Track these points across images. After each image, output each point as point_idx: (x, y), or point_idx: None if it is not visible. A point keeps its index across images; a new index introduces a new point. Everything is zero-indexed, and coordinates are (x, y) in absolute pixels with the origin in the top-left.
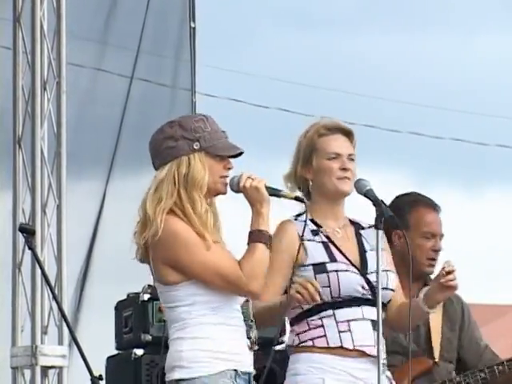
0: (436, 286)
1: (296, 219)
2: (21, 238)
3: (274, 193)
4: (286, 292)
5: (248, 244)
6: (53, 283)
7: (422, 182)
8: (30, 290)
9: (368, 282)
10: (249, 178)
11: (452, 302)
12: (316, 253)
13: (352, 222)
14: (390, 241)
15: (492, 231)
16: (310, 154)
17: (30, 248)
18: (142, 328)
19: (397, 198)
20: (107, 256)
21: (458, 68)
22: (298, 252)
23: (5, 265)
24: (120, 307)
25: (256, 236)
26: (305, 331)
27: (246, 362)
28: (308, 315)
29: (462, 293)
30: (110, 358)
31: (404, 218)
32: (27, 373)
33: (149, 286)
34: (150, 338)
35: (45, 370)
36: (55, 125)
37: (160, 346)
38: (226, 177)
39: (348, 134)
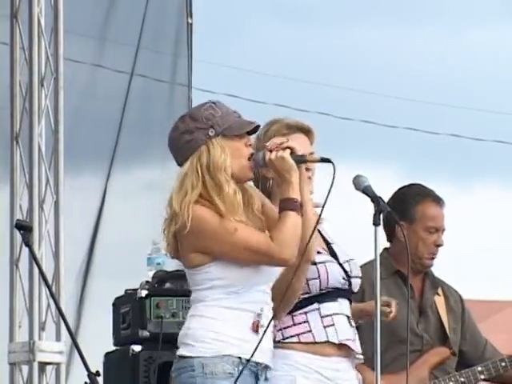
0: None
1: None
2: (18, 234)
3: (300, 159)
4: None
5: (279, 212)
6: (50, 280)
7: (419, 176)
8: (28, 286)
9: (345, 271)
10: (271, 150)
11: (451, 293)
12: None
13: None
14: (393, 233)
15: (489, 227)
16: None
17: (26, 245)
18: (139, 324)
19: (400, 190)
20: (109, 251)
21: (455, 63)
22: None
23: (2, 261)
24: (118, 303)
25: (287, 204)
26: (289, 326)
27: (252, 352)
28: (292, 310)
29: (457, 288)
30: (107, 354)
31: (409, 210)
32: (25, 369)
33: (146, 282)
34: (148, 334)
35: (42, 366)
36: (53, 121)
37: (158, 342)
38: (251, 156)
39: (308, 133)
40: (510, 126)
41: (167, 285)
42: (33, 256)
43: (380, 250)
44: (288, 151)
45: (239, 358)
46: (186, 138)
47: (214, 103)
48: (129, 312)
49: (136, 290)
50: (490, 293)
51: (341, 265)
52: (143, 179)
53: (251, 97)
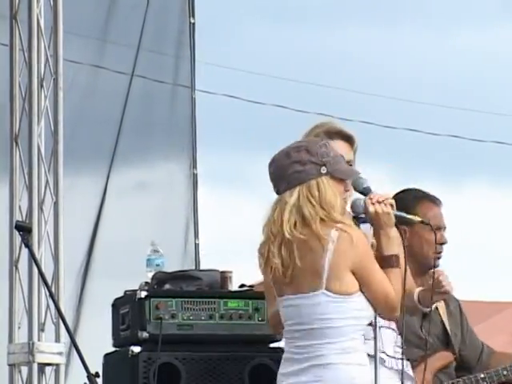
0: (431, 291)
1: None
2: (18, 235)
3: (401, 218)
4: None
5: (385, 268)
6: (50, 281)
7: (419, 176)
8: (27, 287)
9: None
10: (377, 202)
11: (450, 298)
12: None
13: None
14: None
15: (487, 228)
16: None
17: (26, 246)
18: (138, 325)
19: (397, 194)
20: (108, 252)
21: (454, 64)
22: None
23: (2, 262)
24: (117, 304)
25: (393, 261)
26: None
27: None
28: None
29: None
30: (107, 355)
31: (411, 213)
32: (24, 370)
33: (146, 283)
34: (147, 335)
35: (42, 367)
36: (52, 122)
37: (157, 343)
38: (345, 198)
39: (349, 140)
40: (509, 127)
41: (167, 286)
42: (32, 257)
43: None
44: (390, 206)
45: None
46: (297, 168)
47: (327, 143)
48: (128, 313)
49: (135, 291)
50: (489, 293)
51: None
52: (143, 180)
53: (250, 98)
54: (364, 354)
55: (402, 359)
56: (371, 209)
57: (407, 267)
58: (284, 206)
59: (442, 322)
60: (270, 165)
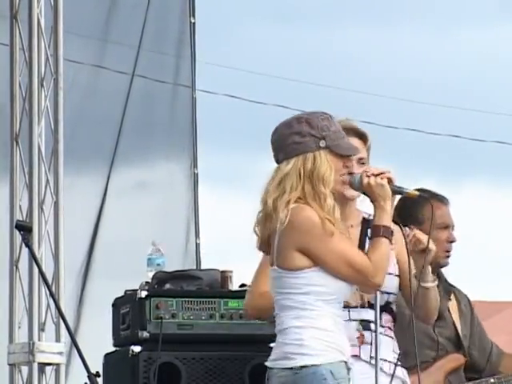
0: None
1: None
2: (18, 235)
3: (398, 190)
4: None
5: (372, 238)
6: (50, 280)
7: (419, 176)
8: (28, 287)
9: None
10: (372, 174)
11: (462, 297)
12: None
13: (366, 221)
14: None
15: (487, 228)
16: None
17: (26, 245)
18: (139, 325)
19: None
20: (109, 252)
21: (453, 64)
22: None
23: (2, 261)
24: (117, 304)
25: (382, 231)
26: None
27: (349, 356)
28: None
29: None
30: (107, 355)
31: (417, 213)
32: (24, 369)
33: (146, 282)
34: (148, 334)
35: (42, 366)
36: (52, 121)
37: (157, 342)
38: (344, 175)
39: (362, 137)
40: (510, 127)
41: (167, 286)
42: (33, 256)
43: None
44: (386, 180)
45: (345, 362)
46: (296, 140)
47: (330, 117)
48: (128, 313)
49: (136, 290)
50: (489, 293)
51: None
52: (143, 180)
53: (251, 97)
54: (327, 321)
55: (396, 364)
56: (365, 181)
57: (411, 265)
58: (276, 176)
59: (453, 323)
60: (273, 134)
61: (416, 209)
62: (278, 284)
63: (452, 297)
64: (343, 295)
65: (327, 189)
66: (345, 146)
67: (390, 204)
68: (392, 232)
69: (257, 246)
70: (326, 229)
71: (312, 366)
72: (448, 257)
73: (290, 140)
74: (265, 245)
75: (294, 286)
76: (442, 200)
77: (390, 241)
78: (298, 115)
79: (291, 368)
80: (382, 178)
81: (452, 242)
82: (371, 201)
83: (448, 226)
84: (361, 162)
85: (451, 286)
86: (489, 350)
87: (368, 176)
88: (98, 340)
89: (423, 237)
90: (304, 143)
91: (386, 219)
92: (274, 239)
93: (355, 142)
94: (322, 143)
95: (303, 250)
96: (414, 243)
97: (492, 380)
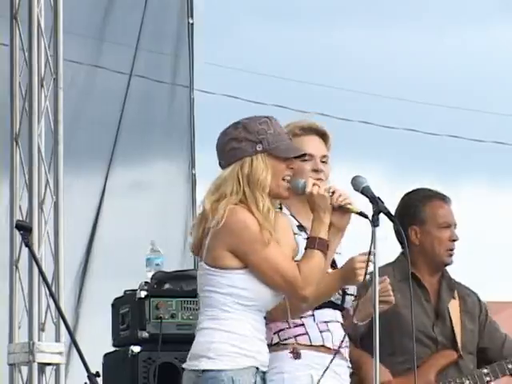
0: (369, 299)
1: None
2: (18, 235)
3: (340, 207)
4: None
5: (306, 249)
6: (50, 280)
7: (419, 176)
8: (28, 287)
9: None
10: (315, 184)
11: (468, 295)
12: (303, 249)
13: None
14: (407, 236)
15: (486, 228)
16: None
17: (26, 245)
18: (138, 325)
19: (406, 195)
20: (107, 252)
21: (453, 64)
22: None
23: (2, 261)
24: (117, 304)
25: (316, 243)
26: (283, 329)
27: (265, 362)
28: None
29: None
30: (106, 355)
31: (419, 213)
32: (24, 369)
33: (145, 282)
34: (147, 334)
35: (42, 366)
36: (52, 121)
37: (157, 342)
38: (288, 178)
39: (323, 136)
40: (509, 127)
41: (166, 286)
42: (33, 256)
43: (397, 254)
44: (328, 191)
45: (256, 368)
46: (233, 145)
47: (270, 120)
48: (128, 313)
49: (135, 290)
50: (489, 293)
51: None
52: (142, 180)
53: (250, 98)
54: (242, 325)
55: (336, 353)
56: (308, 188)
57: (377, 273)
58: (216, 181)
59: (451, 321)
60: (216, 144)
61: (417, 207)
62: (203, 281)
63: (455, 295)
64: (264, 303)
65: (261, 193)
66: (283, 148)
67: (328, 217)
68: (327, 245)
69: (191, 249)
70: (263, 236)
71: (213, 370)
72: (451, 255)
73: (228, 146)
74: (197, 247)
75: (216, 285)
76: (443, 199)
77: (325, 254)
78: (237, 121)
79: (196, 370)
80: (337, 200)
81: (454, 240)
82: (311, 210)
83: (450, 225)
84: (323, 159)
85: (456, 283)
86: (501, 341)
87: (314, 184)
88: (97, 340)
89: (390, 291)
90: (241, 148)
91: (323, 232)
92: (206, 239)
93: (316, 140)
94: (259, 147)
95: (233, 251)
96: (382, 292)
97: (485, 370)
